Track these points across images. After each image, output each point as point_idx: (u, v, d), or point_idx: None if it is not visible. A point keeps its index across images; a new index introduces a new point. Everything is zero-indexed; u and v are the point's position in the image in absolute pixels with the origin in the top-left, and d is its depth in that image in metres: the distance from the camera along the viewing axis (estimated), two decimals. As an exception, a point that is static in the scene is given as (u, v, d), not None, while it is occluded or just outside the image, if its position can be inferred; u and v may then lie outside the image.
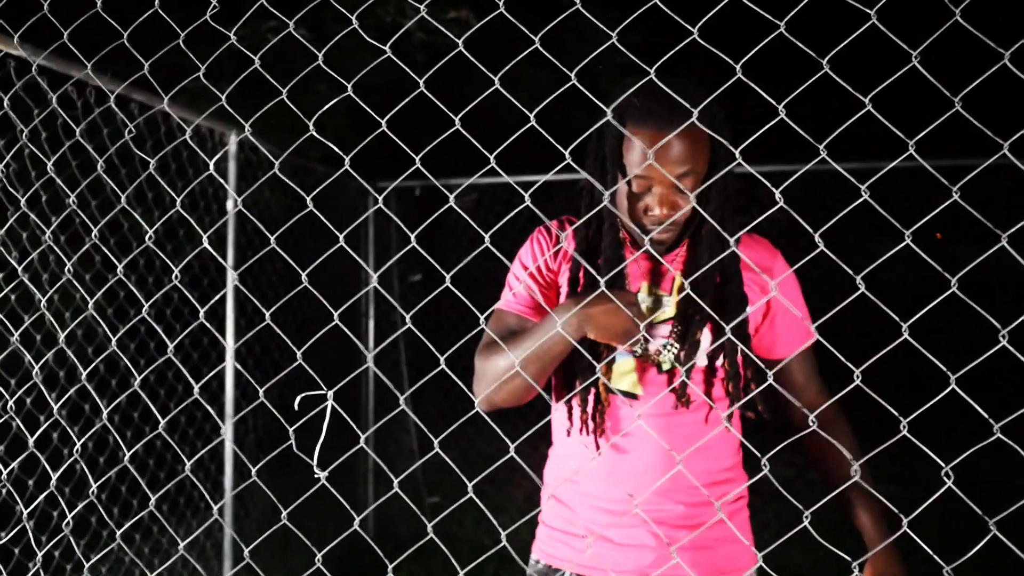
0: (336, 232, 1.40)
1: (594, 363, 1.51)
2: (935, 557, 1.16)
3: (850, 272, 1.19)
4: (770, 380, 1.27)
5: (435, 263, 1.41)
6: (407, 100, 1.52)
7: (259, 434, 3.93)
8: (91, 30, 1.80)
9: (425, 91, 1.38)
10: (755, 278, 1.59)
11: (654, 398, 1.53)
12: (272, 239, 1.47)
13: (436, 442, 1.39)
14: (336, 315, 1.43)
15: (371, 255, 5.28)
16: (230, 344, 3.44)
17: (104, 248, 1.75)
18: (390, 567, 1.41)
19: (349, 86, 1.46)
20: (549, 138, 1.39)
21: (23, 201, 1.98)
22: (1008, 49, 1.13)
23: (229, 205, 3.50)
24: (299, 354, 1.44)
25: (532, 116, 1.29)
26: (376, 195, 4.61)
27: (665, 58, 1.29)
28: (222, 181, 1.79)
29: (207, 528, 3.68)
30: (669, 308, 1.55)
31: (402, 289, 5.64)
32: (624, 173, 1.49)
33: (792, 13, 1.24)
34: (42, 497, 2.06)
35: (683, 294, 1.54)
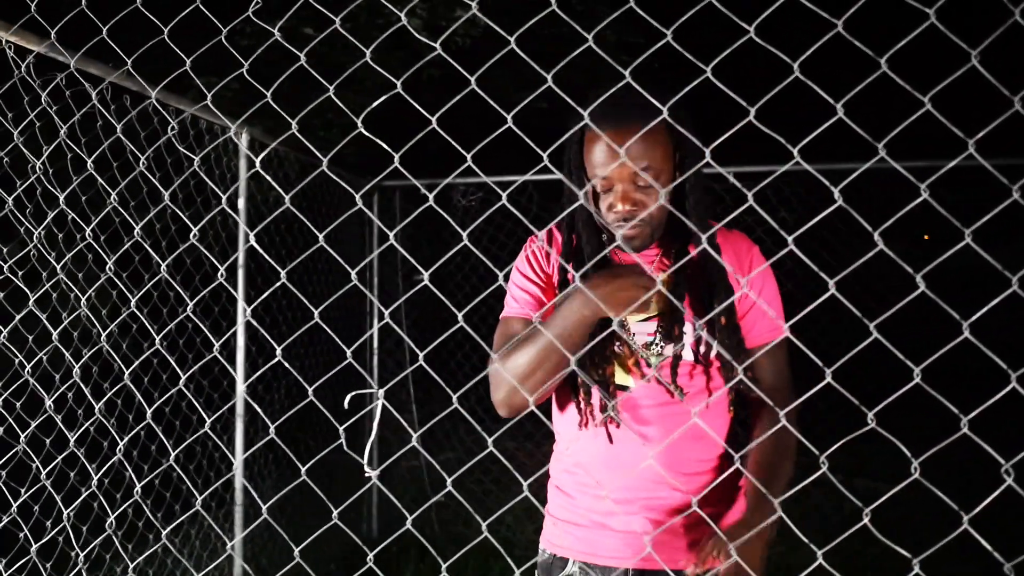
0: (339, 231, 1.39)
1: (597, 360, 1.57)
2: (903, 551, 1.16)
3: (820, 272, 1.20)
4: (739, 375, 1.39)
5: (415, 262, 1.41)
6: (383, 99, 1.53)
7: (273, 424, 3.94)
8: (87, 25, 1.81)
9: (402, 95, 1.38)
10: (733, 271, 1.63)
11: (647, 390, 1.57)
12: (281, 268, 1.47)
13: (450, 479, 1.38)
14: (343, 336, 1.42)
15: (375, 251, 5.28)
16: (240, 344, 3.45)
17: (97, 245, 1.76)
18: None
19: (331, 88, 1.48)
20: (526, 140, 1.41)
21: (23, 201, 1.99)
22: (979, 49, 1.13)
23: (240, 203, 3.51)
24: (308, 387, 1.44)
25: (509, 117, 1.31)
26: (354, 192, 4.61)
27: (639, 60, 1.31)
28: (269, 178, 1.79)
29: (220, 527, 3.68)
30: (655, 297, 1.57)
31: (407, 288, 5.64)
32: (588, 176, 1.55)
33: (763, 16, 1.25)
34: (52, 528, 2.06)
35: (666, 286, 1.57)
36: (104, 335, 2.19)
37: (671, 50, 1.30)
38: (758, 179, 1.49)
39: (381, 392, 1.39)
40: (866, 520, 1.13)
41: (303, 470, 1.53)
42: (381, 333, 5.34)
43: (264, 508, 1.49)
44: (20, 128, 2.11)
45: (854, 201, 1.17)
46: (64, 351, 2.24)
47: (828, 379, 1.15)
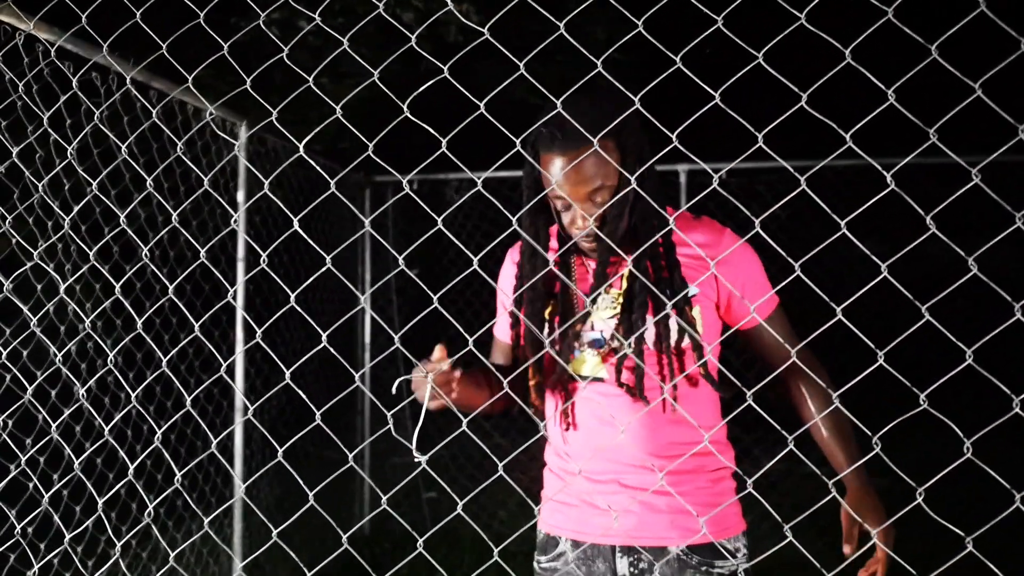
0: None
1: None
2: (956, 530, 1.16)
3: (789, 259, 1.21)
4: (708, 356, 1.60)
5: (409, 257, 1.40)
6: (358, 89, 1.54)
7: (267, 427, 3.93)
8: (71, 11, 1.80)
9: (377, 91, 1.38)
10: (700, 260, 1.67)
11: (620, 379, 1.66)
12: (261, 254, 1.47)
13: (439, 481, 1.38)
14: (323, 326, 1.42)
15: (367, 246, 5.28)
16: (239, 336, 3.44)
17: (78, 240, 1.75)
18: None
19: (310, 78, 1.48)
20: (503, 129, 1.43)
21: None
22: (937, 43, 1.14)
23: (240, 196, 3.50)
24: (286, 374, 1.43)
25: (482, 105, 1.33)
26: (329, 178, 4.60)
27: (607, 55, 1.32)
28: (283, 179, 1.77)
29: (217, 523, 3.67)
30: (606, 305, 1.68)
31: (399, 282, 5.63)
32: (547, 195, 1.65)
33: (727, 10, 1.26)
34: (46, 501, 2.05)
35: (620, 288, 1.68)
36: (88, 322, 2.17)
37: (647, 45, 1.32)
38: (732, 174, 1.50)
39: (431, 376, 1.41)
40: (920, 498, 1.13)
41: (279, 452, 1.53)
42: (374, 328, 5.33)
43: (235, 492, 1.48)
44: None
45: (845, 196, 1.18)
46: (50, 343, 2.23)
47: (880, 360, 1.15)
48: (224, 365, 1.82)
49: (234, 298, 3.38)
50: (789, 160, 1.67)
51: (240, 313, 3.45)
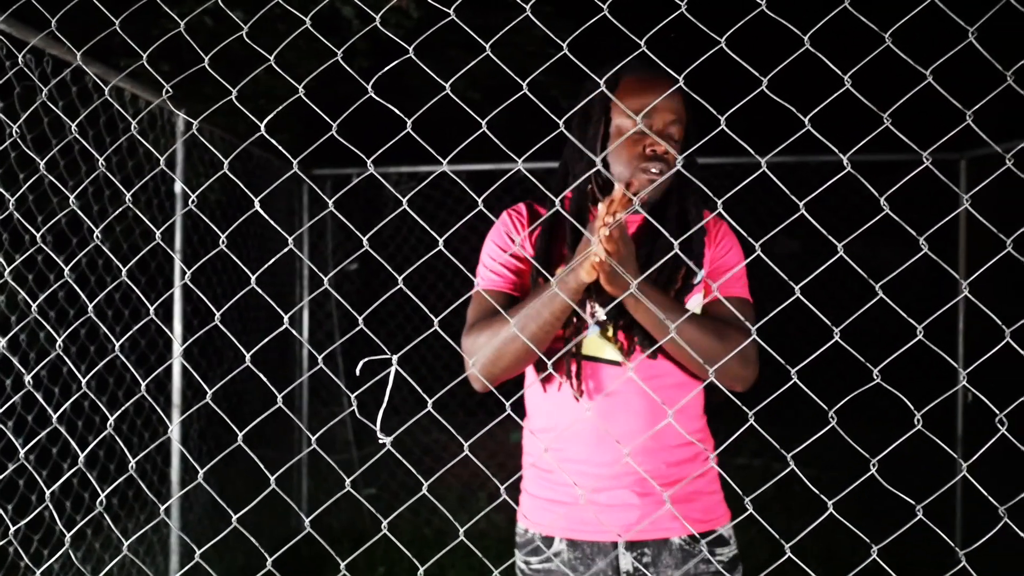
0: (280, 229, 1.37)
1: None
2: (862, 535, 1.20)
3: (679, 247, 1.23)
4: (672, 333, 1.43)
5: (345, 250, 1.40)
6: (305, 79, 1.51)
7: (202, 424, 3.86)
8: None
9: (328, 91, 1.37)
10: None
11: (635, 364, 1.60)
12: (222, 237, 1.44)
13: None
14: (287, 317, 1.41)
15: (306, 242, 5.22)
16: (178, 331, 3.37)
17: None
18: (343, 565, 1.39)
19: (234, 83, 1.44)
20: (472, 116, 1.43)
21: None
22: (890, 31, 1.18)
23: (177, 188, 3.43)
24: (248, 357, 1.42)
25: (447, 86, 1.31)
26: (217, 157, 4.55)
27: (574, 36, 1.33)
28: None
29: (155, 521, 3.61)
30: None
31: (337, 278, 5.58)
32: (613, 127, 1.63)
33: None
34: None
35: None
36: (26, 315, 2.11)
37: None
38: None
39: (395, 359, 1.38)
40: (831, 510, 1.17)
41: (240, 436, 1.50)
42: (312, 324, 5.28)
43: (200, 471, 1.46)
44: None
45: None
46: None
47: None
48: (160, 369, 1.78)
49: (171, 301, 3.32)
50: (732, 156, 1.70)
51: (179, 306, 3.39)
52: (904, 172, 1.32)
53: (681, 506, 1.63)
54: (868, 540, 1.22)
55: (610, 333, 1.62)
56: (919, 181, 1.36)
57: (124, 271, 1.54)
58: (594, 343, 1.64)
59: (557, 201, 1.40)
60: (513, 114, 1.86)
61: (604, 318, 1.59)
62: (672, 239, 1.36)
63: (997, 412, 1.10)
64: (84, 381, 1.62)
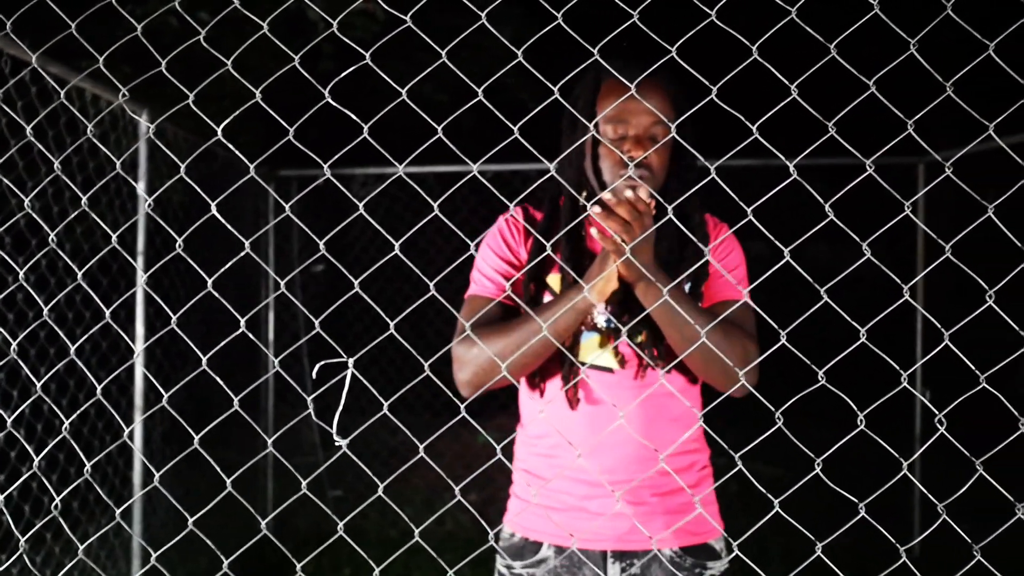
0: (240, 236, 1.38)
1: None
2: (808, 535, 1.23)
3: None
4: (703, 338, 1.38)
5: (310, 253, 1.41)
6: (272, 79, 1.52)
7: (166, 427, 3.83)
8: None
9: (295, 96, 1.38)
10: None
11: (629, 371, 1.60)
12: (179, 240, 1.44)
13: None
14: (243, 321, 1.41)
15: (271, 243, 5.19)
16: (140, 332, 3.34)
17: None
18: (299, 566, 1.40)
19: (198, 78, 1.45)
20: (433, 119, 1.43)
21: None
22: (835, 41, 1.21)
23: (139, 187, 3.40)
24: (204, 360, 1.41)
25: (403, 92, 1.32)
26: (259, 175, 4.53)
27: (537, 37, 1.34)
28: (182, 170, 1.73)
29: (116, 524, 3.57)
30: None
31: (303, 279, 5.56)
32: (597, 129, 1.60)
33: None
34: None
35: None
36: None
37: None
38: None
39: (351, 361, 1.38)
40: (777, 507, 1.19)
41: (196, 439, 1.50)
42: (277, 327, 5.25)
43: (156, 476, 1.46)
44: None
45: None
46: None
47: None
48: (122, 367, 1.77)
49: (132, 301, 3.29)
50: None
51: (140, 308, 3.36)
52: (868, 176, 1.34)
53: (674, 517, 1.62)
54: (813, 538, 1.25)
55: (609, 347, 1.60)
56: (881, 185, 1.38)
57: (80, 273, 1.53)
58: (590, 350, 1.63)
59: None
60: (483, 116, 1.87)
61: (603, 324, 1.60)
62: (674, 241, 1.38)
63: (936, 412, 1.13)
64: (40, 384, 1.61)
